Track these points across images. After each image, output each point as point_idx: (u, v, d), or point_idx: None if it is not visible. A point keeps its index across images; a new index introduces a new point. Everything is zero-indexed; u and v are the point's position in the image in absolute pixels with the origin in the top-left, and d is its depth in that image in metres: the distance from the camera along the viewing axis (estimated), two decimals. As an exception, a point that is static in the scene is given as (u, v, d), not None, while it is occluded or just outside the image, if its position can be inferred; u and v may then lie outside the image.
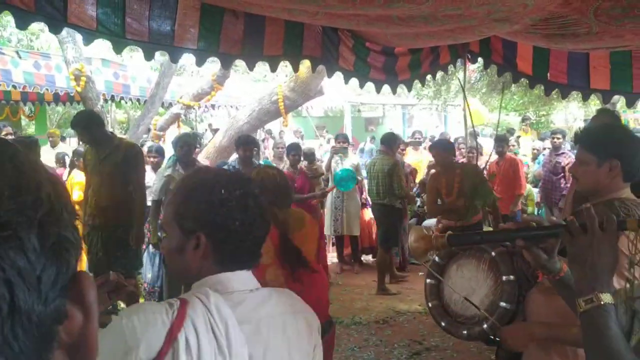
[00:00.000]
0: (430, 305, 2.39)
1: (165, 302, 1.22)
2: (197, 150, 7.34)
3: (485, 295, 2.24)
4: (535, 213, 7.59)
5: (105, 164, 4.64)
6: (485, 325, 2.16)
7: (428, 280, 2.45)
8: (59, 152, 8.51)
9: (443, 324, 2.31)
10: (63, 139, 11.52)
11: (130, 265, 4.83)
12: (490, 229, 5.61)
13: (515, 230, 1.37)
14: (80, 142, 7.23)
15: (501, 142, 7.38)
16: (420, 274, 6.99)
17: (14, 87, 8.70)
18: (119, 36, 3.84)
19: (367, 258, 7.58)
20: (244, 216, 1.29)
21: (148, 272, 5.90)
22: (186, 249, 1.29)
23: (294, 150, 6.75)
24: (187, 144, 5.29)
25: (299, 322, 1.35)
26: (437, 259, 2.44)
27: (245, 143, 5.82)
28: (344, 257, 7.33)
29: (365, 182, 7.27)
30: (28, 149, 5.27)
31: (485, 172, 7.70)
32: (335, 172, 6.94)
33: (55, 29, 3.73)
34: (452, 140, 11.95)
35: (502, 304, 2.13)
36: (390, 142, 6.68)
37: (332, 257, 7.38)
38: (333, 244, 7.57)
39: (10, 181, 0.44)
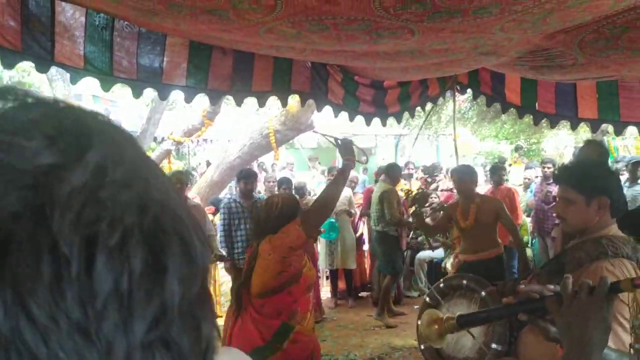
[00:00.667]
0: (422, 347, 2.34)
1: None
2: (188, 186, 7.32)
3: (476, 336, 2.20)
4: (529, 243, 7.54)
5: None
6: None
7: (419, 322, 2.40)
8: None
9: (435, 364, 2.26)
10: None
11: None
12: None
13: (518, 304, 1.34)
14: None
15: (497, 171, 7.37)
16: (416, 307, 6.89)
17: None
18: (107, 74, 3.82)
19: (362, 293, 7.48)
20: None
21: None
22: None
23: (285, 184, 6.73)
24: (180, 181, 5.26)
25: None
26: (427, 299, 2.40)
27: (247, 177, 5.82)
28: (337, 292, 7.23)
29: (357, 216, 7.26)
30: None
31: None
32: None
33: (42, 68, 3.71)
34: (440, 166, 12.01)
35: (494, 345, 2.09)
36: (389, 170, 6.77)
37: (326, 291, 7.29)
38: (327, 278, 7.48)
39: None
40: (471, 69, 5.09)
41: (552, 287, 1.30)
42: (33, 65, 3.60)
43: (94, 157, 0.34)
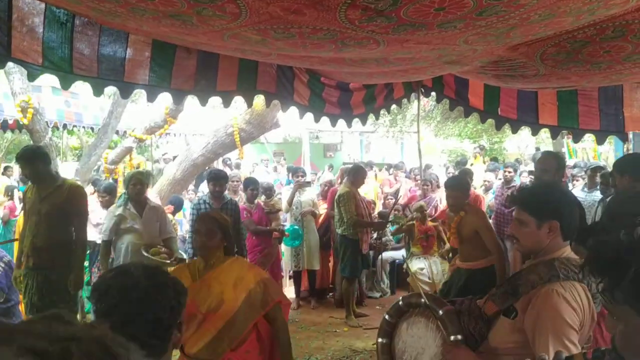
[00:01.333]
0: (379, 360, 2.36)
1: None
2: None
3: (434, 354, 2.22)
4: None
5: (45, 203, 4.44)
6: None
7: (379, 340, 2.42)
8: (9, 185, 8.18)
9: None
10: (6, 169, 11.06)
11: (67, 310, 4.59)
12: None
13: None
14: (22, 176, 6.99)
15: (465, 175, 7.41)
16: (378, 307, 6.96)
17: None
18: (67, 71, 3.72)
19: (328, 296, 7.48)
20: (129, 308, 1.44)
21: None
22: None
23: (251, 184, 6.68)
24: (140, 182, 5.15)
25: None
26: (387, 317, 2.42)
27: (216, 178, 5.73)
28: (300, 292, 7.23)
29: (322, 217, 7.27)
30: None
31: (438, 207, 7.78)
32: (286, 229, 6.90)
33: (-2, 64, 3.60)
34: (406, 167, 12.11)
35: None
36: (350, 173, 6.70)
37: (289, 292, 7.27)
38: (290, 277, 7.47)
39: None
40: (435, 75, 5.14)
41: None
42: (-13, 60, 3.48)
43: None
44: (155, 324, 1.44)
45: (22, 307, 4.79)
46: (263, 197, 6.92)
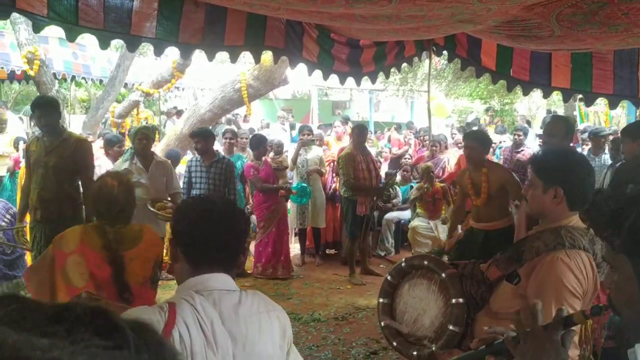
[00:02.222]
0: (382, 324, 2.38)
1: (156, 306, 1.45)
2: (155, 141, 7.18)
3: (435, 316, 2.24)
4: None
5: (51, 156, 4.45)
6: (433, 347, 2.16)
7: (381, 300, 2.43)
8: (18, 137, 8.18)
9: (395, 343, 2.31)
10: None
11: None
12: None
13: (484, 349, 1.40)
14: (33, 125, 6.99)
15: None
16: (382, 266, 7.01)
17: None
18: (72, 23, 3.67)
19: (330, 251, 7.53)
20: (206, 228, 1.53)
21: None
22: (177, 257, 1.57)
23: (260, 141, 6.67)
24: (146, 137, 5.13)
25: (272, 320, 1.56)
26: (389, 277, 2.43)
27: (199, 135, 5.87)
28: (305, 250, 7.28)
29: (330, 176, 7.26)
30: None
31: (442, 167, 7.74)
32: (292, 186, 6.89)
33: (2, 14, 3.56)
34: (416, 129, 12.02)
35: (451, 326, 2.13)
36: (352, 133, 6.69)
37: (294, 249, 7.33)
38: (295, 235, 7.52)
39: None
40: (448, 34, 5.04)
41: (513, 326, 1.38)
42: (-8, 10, 3.44)
43: None
44: (228, 245, 1.57)
45: (28, 259, 4.86)
46: (272, 154, 6.91)
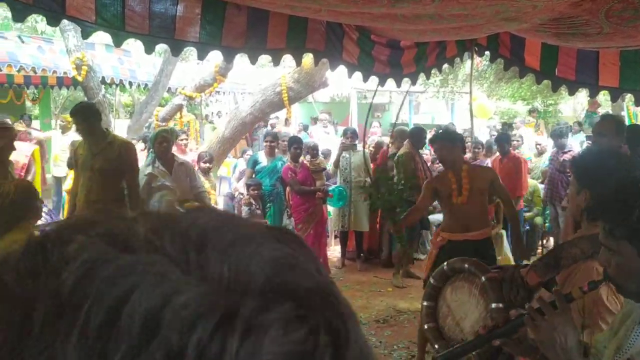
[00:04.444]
0: (426, 327, 2.36)
1: None
2: (182, 144, 7.29)
3: (475, 321, 2.20)
4: (541, 212, 7.49)
5: (97, 159, 4.57)
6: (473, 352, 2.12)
7: (424, 303, 2.41)
8: (74, 140, 8.45)
9: (436, 346, 2.28)
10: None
11: None
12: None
13: (488, 333, 1.52)
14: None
15: (501, 141, 7.23)
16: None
17: (23, 67, 8.62)
18: (119, 29, 3.76)
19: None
20: None
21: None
22: None
23: (295, 143, 6.68)
24: (166, 140, 5.22)
25: None
26: (432, 280, 2.41)
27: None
28: (346, 252, 7.27)
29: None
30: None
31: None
32: (330, 189, 6.88)
33: (53, 21, 3.66)
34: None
35: None
36: (412, 135, 6.72)
37: (334, 251, 7.33)
38: (336, 237, 7.51)
39: None
40: (491, 33, 4.96)
41: (515, 312, 1.56)
42: (44, 17, 3.56)
43: None
44: None
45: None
46: (308, 157, 6.93)
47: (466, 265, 2.29)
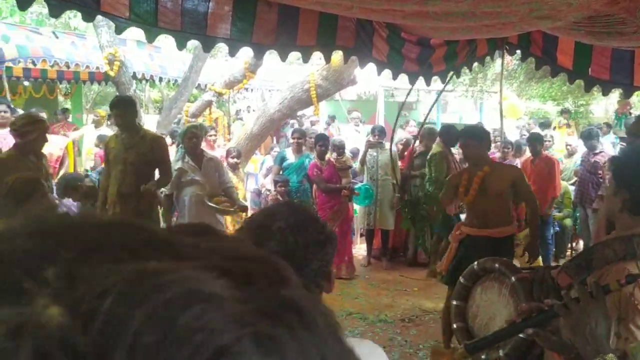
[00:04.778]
0: (455, 326, 2.35)
1: None
2: (211, 139, 7.35)
3: (505, 321, 2.17)
4: (571, 213, 7.37)
5: (130, 153, 4.66)
6: (501, 353, 2.10)
7: (454, 302, 2.40)
8: (101, 135, 8.63)
9: (465, 346, 2.27)
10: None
11: None
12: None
13: (522, 322, 1.52)
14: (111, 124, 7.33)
15: (535, 142, 7.10)
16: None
17: (57, 62, 8.81)
18: (152, 24, 3.81)
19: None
20: None
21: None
22: None
23: (321, 141, 6.69)
24: (195, 136, 5.29)
25: None
26: (462, 280, 2.39)
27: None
28: (372, 251, 7.25)
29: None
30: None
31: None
32: (355, 187, 6.86)
33: (88, 16, 3.73)
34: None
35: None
36: (442, 133, 6.68)
37: (360, 249, 7.33)
38: (361, 235, 7.50)
39: None
40: (523, 32, 4.89)
41: (549, 301, 1.55)
42: (79, 13, 3.62)
43: None
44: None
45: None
46: (334, 155, 6.93)
47: (497, 265, 2.27)
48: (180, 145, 5.48)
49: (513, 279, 2.15)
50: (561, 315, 1.44)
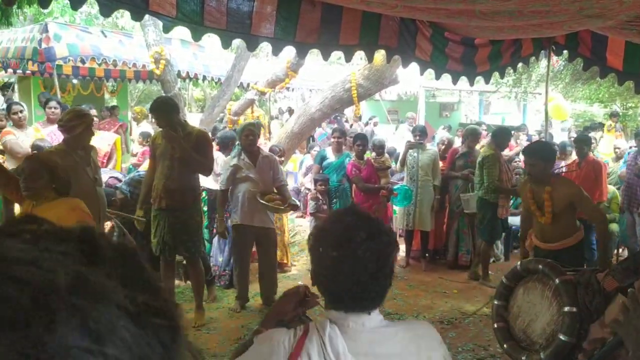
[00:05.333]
0: (495, 326, 2.32)
1: (291, 331, 1.40)
2: (268, 136, 7.45)
3: (547, 323, 2.14)
4: (618, 218, 7.15)
5: (177, 149, 4.74)
6: (542, 355, 2.07)
7: (495, 302, 2.37)
8: (143, 132, 8.86)
9: (505, 346, 2.24)
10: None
11: (194, 249, 4.96)
12: None
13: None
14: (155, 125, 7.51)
15: (581, 143, 6.90)
16: (491, 273, 6.79)
17: (105, 61, 9.05)
18: (198, 23, 3.88)
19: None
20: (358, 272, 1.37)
21: (219, 256, 6.07)
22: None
23: (359, 140, 6.68)
24: (252, 133, 5.35)
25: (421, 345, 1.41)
26: (504, 280, 2.36)
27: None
28: (411, 252, 7.19)
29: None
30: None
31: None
32: (394, 187, 6.80)
33: (137, 16, 3.81)
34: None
35: (561, 336, 2.03)
36: (495, 135, 6.60)
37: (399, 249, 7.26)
38: (400, 235, 7.45)
39: None
40: (572, 31, 4.78)
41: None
42: (128, 12, 3.71)
43: None
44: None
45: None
46: (373, 154, 6.90)
47: (540, 266, 2.23)
48: (238, 142, 5.59)
49: (557, 280, 2.11)
50: (619, 333, 1.41)
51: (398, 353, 1.36)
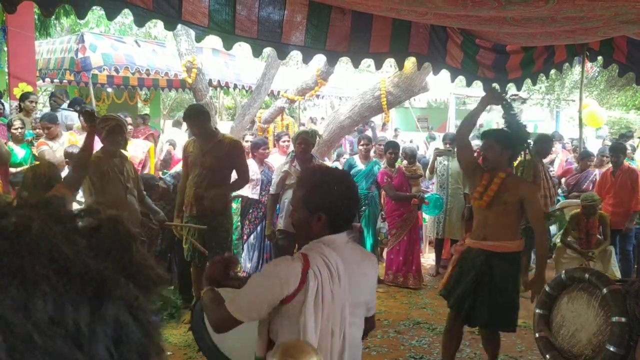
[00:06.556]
0: (537, 335, 2.28)
1: (291, 257, 1.93)
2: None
3: (593, 334, 2.09)
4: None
5: (207, 157, 4.81)
6: None
7: (537, 311, 2.33)
8: (171, 139, 9.02)
9: (547, 356, 2.20)
10: (178, 123, 11.69)
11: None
12: None
13: None
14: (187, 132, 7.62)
15: (617, 152, 6.73)
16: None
17: (138, 70, 9.25)
18: (229, 32, 3.93)
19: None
20: (348, 202, 1.97)
21: (247, 261, 6.11)
22: (310, 222, 1.93)
23: (391, 148, 6.66)
24: (305, 142, 5.43)
25: (367, 263, 2.06)
26: (548, 289, 2.32)
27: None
28: (441, 260, 7.13)
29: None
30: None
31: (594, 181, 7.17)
32: (426, 196, 6.73)
33: (170, 25, 3.88)
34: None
35: (610, 347, 1.97)
36: (535, 142, 6.41)
37: (428, 258, 7.21)
38: (430, 243, 7.40)
39: None
40: (607, 37, 4.69)
41: None
42: (162, 22, 3.78)
43: None
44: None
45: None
46: (405, 162, 6.88)
47: (587, 275, 2.19)
48: (292, 149, 5.70)
49: (605, 290, 2.07)
50: None
51: (357, 260, 1.99)
